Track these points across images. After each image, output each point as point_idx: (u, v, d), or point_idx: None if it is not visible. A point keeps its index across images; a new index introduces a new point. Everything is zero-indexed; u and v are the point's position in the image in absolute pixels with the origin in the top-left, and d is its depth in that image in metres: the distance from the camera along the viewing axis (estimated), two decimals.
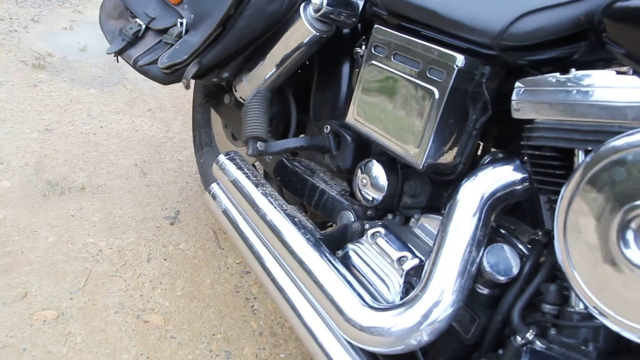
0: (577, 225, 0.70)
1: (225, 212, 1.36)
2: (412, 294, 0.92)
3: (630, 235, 0.62)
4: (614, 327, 0.64)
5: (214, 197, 1.41)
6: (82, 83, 2.98)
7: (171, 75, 1.38)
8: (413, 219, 1.13)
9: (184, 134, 2.59)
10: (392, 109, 1.04)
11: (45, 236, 1.86)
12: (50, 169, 2.21)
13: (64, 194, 2.08)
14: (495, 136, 1.13)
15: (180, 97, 2.92)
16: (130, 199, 2.10)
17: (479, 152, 1.18)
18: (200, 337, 1.56)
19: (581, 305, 0.78)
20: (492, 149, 1.15)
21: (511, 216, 1.08)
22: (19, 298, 1.62)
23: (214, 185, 1.43)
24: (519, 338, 0.84)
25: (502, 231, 0.98)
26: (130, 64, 1.51)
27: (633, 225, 0.62)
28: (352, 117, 1.14)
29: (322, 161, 1.42)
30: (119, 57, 1.57)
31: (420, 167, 0.98)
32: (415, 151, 0.99)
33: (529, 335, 0.83)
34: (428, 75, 0.97)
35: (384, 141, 1.06)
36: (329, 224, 1.42)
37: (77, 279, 1.71)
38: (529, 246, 0.93)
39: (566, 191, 0.72)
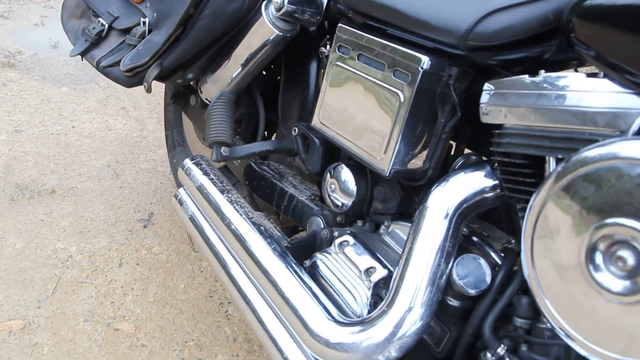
0: (544, 240, 0.66)
1: (192, 219, 1.31)
2: (378, 308, 0.89)
3: (599, 257, 0.58)
4: (582, 352, 0.60)
5: (180, 202, 1.35)
6: (53, 81, 2.89)
7: (133, 77, 1.33)
8: (383, 226, 1.09)
9: (159, 132, 2.52)
10: (358, 113, 0.99)
11: (13, 242, 1.80)
12: (19, 172, 2.14)
13: (34, 197, 2.01)
14: (469, 137, 1.09)
15: (155, 94, 2.82)
16: (103, 201, 2.04)
17: (452, 153, 1.14)
18: (172, 345, 1.51)
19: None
20: (466, 150, 1.11)
21: (486, 220, 1.04)
22: None
23: (180, 191, 1.37)
24: (489, 355, 0.80)
25: (474, 239, 0.95)
26: (93, 65, 1.44)
27: (601, 246, 0.57)
28: (318, 120, 1.09)
29: (293, 163, 1.37)
30: (83, 58, 1.50)
31: (387, 174, 0.94)
32: (381, 157, 0.95)
33: (500, 351, 0.79)
34: (393, 77, 0.92)
35: (350, 146, 1.02)
36: (300, 228, 1.37)
37: (45, 287, 1.65)
38: (502, 254, 0.89)
39: (535, 201, 0.68)
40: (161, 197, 2.10)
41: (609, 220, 0.57)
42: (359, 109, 0.99)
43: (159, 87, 2.88)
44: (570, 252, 0.61)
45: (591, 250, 0.58)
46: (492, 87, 0.82)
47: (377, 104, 0.95)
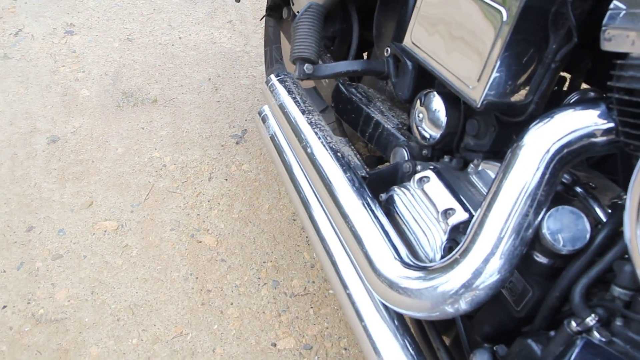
0: None
1: (272, 138, 1.25)
2: (452, 254, 0.79)
3: None
4: None
5: (263, 120, 1.30)
6: None
7: None
8: (472, 164, 0.96)
9: (262, 48, 2.47)
10: (453, 32, 0.86)
11: (115, 147, 1.88)
12: (127, 79, 2.21)
13: (137, 105, 2.07)
14: (588, 70, 0.91)
15: (263, 7, 2.79)
16: (200, 114, 2.06)
17: (566, 87, 0.98)
18: (250, 264, 1.52)
19: None
20: (583, 86, 0.94)
21: (598, 170, 0.89)
22: (85, 206, 1.66)
23: (264, 107, 1.32)
24: (574, 323, 0.68)
25: (578, 189, 0.80)
26: None
27: None
28: (410, 39, 0.97)
29: (385, 88, 1.26)
30: None
31: (478, 105, 0.81)
32: (474, 85, 0.81)
33: (590, 321, 0.67)
34: None
35: (441, 71, 0.89)
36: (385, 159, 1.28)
37: (139, 192, 1.72)
38: (609, 211, 0.75)
39: None
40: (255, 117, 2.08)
41: None
42: (455, 27, 0.85)
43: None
44: None
45: None
46: (622, 6, 0.65)
47: (475, 22, 0.81)
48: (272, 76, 1.27)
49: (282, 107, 1.20)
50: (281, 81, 1.25)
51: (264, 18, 1.90)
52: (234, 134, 1.98)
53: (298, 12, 1.29)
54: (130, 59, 2.34)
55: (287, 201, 1.71)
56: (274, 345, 1.34)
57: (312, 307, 1.43)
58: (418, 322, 1.00)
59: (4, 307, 1.38)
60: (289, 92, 1.22)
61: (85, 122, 1.97)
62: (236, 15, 2.74)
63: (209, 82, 2.24)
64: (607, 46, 0.67)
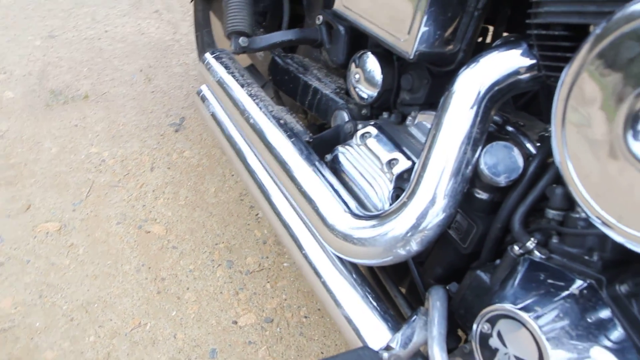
0: (577, 116, 0.56)
1: (213, 116, 1.25)
2: (398, 200, 0.82)
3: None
4: (619, 239, 0.52)
5: (202, 99, 1.30)
6: None
7: None
8: (410, 117, 1.00)
9: (192, 35, 2.43)
10: None
11: (49, 147, 1.82)
12: (53, 77, 2.13)
13: (68, 103, 2.00)
14: (508, 18, 0.96)
15: None
16: (135, 106, 2.01)
17: (490, 38, 1.03)
18: (202, 247, 1.51)
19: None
20: (505, 34, 0.99)
21: (524, 111, 0.94)
22: (22, 210, 1.60)
23: (203, 87, 1.31)
24: (516, 247, 0.73)
25: (509, 128, 0.85)
26: None
27: None
28: (340, 3, 0.99)
29: (319, 57, 1.28)
30: None
31: (411, 56, 0.84)
32: (405, 38, 0.85)
33: (530, 244, 0.72)
34: None
35: (373, 28, 0.92)
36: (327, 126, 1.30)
37: (79, 190, 1.67)
38: (538, 144, 0.80)
39: (567, 75, 0.58)
40: (193, 101, 2.06)
41: None
42: None
43: None
44: (606, 126, 0.52)
45: (631, 121, 0.49)
46: None
47: None
48: (207, 54, 1.27)
49: (220, 82, 1.21)
50: (217, 58, 1.25)
51: (194, 1, 1.88)
52: (172, 122, 1.95)
53: None
54: (54, 56, 2.25)
55: (233, 182, 1.71)
56: (235, 322, 1.34)
57: (268, 282, 1.44)
58: (374, 274, 1.04)
59: None
60: (226, 67, 1.22)
61: (13, 125, 1.89)
62: (162, 4, 2.68)
63: (141, 73, 2.19)
64: None
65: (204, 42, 1.92)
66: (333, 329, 1.35)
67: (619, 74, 0.50)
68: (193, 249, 1.51)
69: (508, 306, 0.65)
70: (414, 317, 0.83)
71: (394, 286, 1.00)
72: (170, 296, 1.39)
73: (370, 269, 1.04)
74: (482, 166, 0.77)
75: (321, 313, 1.38)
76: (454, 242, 0.87)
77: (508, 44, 0.78)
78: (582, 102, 0.54)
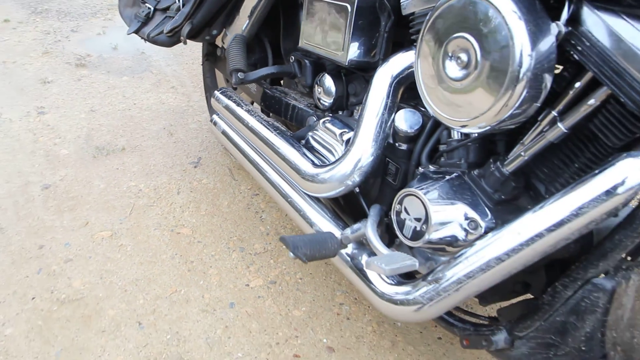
0: (424, 63, 1.07)
1: (224, 133, 1.79)
2: (344, 151, 1.33)
3: (447, 60, 0.99)
4: (447, 123, 1.01)
5: (215, 124, 1.84)
6: (116, 73, 3.49)
7: (173, 37, 1.83)
8: (355, 111, 1.52)
9: (202, 102, 3.05)
10: (325, 27, 1.44)
11: (98, 184, 2.35)
12: (97, 137, 2.71)
13: (109, 154, 2.56)
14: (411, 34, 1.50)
15: (198, 74, 3.40)
16: (162, 153, 2.57)
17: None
18: (221, 240, 2.00)
19: (456, 135, 1.15)
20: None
21: None
22: (82, 225, 2.10)
23: (214, 116, 1.86)
24: (420, 169, 1.21)
25: (412, 103, 1.36)
26: (144, 39, 1.97)
27: (449, 52, 0.98)
28: (302, 41, 1.55)
29: (296, 88, 1.83)
30: (137, 35, 2.04)
31: (346, 64, 1.37)
32: (341, 53, 1.39)
33: (431, 167, 1.20)
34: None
35: (322, 52, 1.46)
36: None
37: (124, 210, 2.18)
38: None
39: (419, 45, 1.09)
40: (207, 146, 2.62)
41: (453, 36, 0.98)
42: (324, 24, 1.43)
43: (199, 70, 3.42)
44: (435, 64, 1.03)
45: (444, 55, 1.00)
46: None
47: (334, 17, 1.39)
48: (216, 91, 1.83)
49: (227, 107, 1.75)
50: (223, 93, 1.81)
51: (202, 68, 2.48)
52: (191, 161, 2.49)
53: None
54: (96, 123, 2.84)
55: (242, 197, 2.22)
56: (247, 285, 1.80)
57: (272, 259, 1.91)
58: (333, 208, 1.52)
59: (33, 298, 1.78)
60: (229, 97, 1.78)
61: (69, 172, 2.43)
62: (177, 82, 3.33)
63: (164, 130, 2.77)
64: (404, 12, 1.23)
65: None
66: (322, 285, 1.81)
67: (438, 36, 1.01)
68: (213, 241, 1.99)
69: (409, 189, 1.12)
70: (360, 220, 1.31)
71: (350, 214, 1.48)
72: (198, 272, 1.86)
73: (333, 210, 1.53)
74: (397, 124, 1.27)
75: (312, 275, 1.85)
76: (388, 184, 1.35)
77: (406, 49, 1.30)
78: (425, 54, 1.05)
